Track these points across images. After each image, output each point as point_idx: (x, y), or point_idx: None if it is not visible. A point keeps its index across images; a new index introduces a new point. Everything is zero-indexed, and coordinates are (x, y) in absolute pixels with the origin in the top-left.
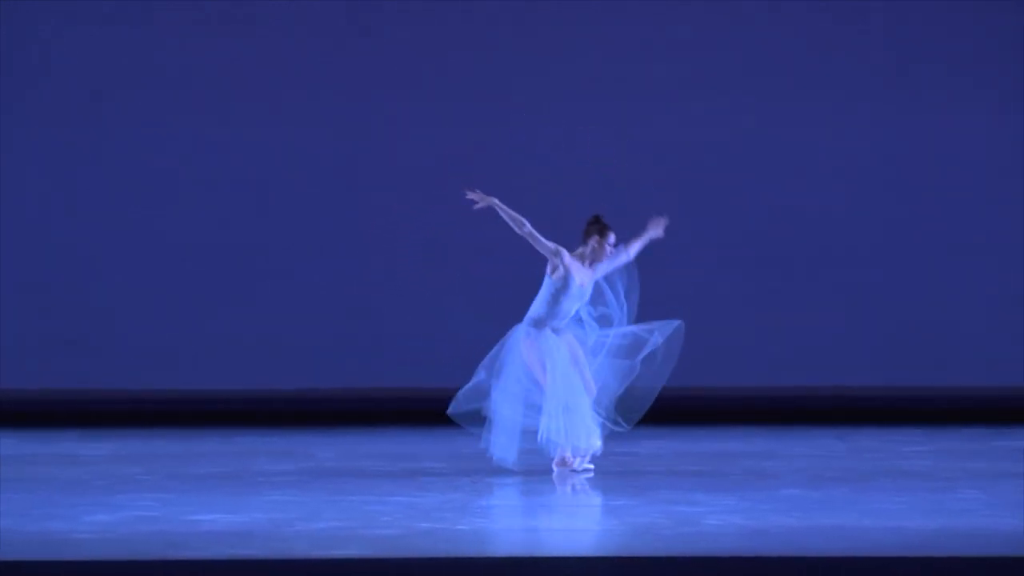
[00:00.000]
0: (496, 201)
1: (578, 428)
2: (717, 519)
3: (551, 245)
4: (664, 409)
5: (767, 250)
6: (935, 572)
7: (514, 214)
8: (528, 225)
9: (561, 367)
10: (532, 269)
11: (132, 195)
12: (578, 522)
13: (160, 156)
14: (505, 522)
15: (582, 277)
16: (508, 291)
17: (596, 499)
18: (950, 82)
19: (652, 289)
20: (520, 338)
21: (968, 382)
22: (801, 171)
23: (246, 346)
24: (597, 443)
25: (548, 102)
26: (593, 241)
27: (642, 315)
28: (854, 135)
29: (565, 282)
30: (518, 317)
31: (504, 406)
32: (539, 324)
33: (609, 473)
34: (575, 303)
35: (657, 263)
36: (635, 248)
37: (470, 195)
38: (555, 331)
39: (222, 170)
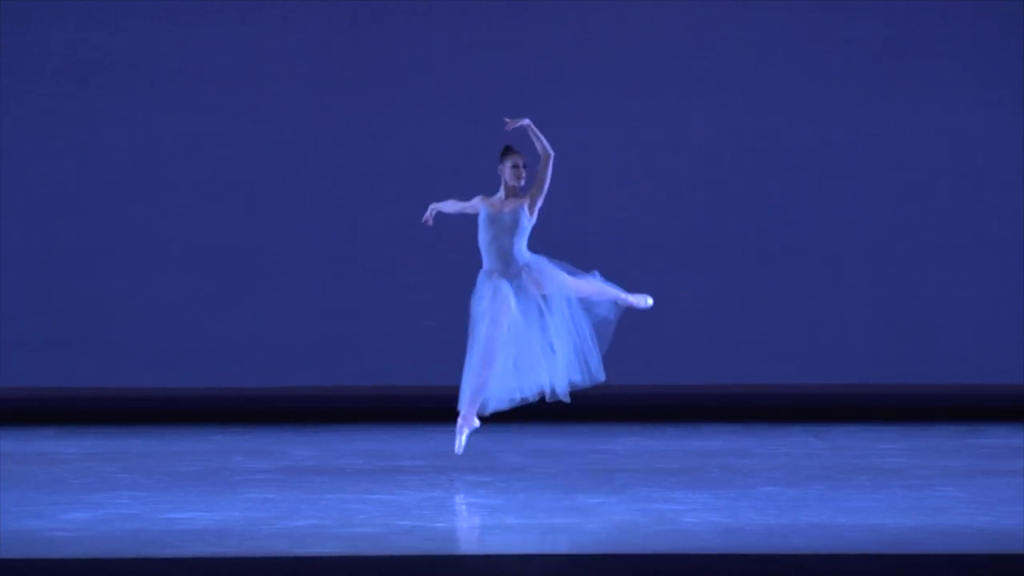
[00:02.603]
0: (528, 121)
1: (493, 383)
2: (694, 517)
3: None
4: (641, 407)
5: (744, 249)
6: (912, 569)
7: (546, 143)
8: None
9: (486, 324)
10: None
11: (122, 194)
12: (555, 520)
13: (156, 156)
14: (483, 520)
15: (496, 208)
16: (461, 287)
17: (573, 497)
18: (947, 80)
19: (633, 286)
20: (474, 292)
21: (944, 380)
22: (785, 170)
23: (224, 345)
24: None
25: (544, 102)
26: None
27: (626, 313)
28: (848, 132)
29: (479, 218)
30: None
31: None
32: (486, 274)
33: (586, 471)
34: (488, 232)
35: (639, 260)
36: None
37: (508, 122)
38: (505, 276)
39: (212, 170)
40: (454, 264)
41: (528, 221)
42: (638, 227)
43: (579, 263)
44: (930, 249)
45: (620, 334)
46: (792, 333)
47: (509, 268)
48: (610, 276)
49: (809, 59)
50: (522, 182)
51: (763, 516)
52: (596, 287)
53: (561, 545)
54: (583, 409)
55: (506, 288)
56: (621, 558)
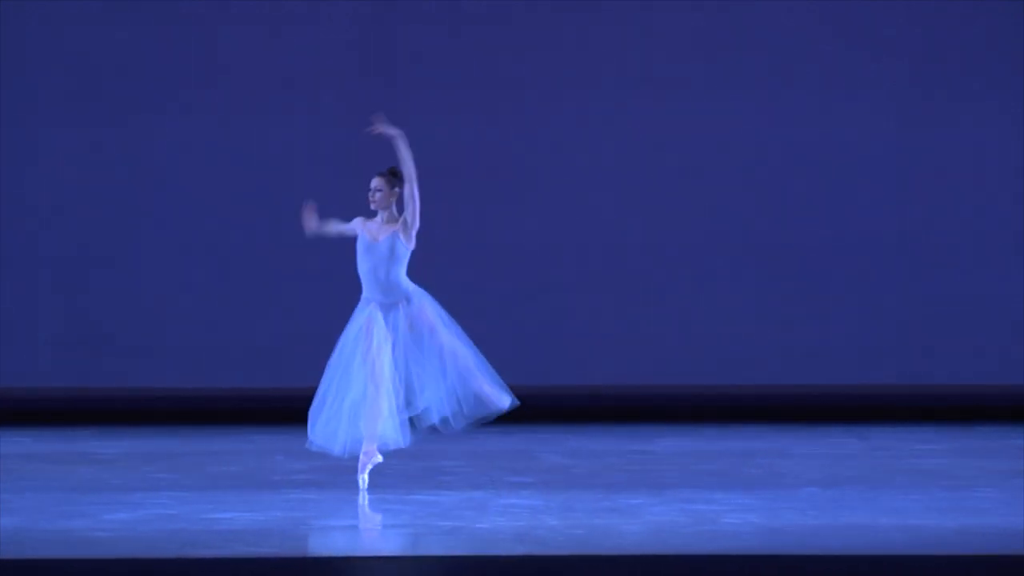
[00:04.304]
0: (400, 134)
1: (339, 422)
2: (735, 517)
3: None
4: (680, 408)
5: (778, 248)
6: (952, 571)
7: (409, 163)
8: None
9: (339, 355)
10: (518, 266)
11: (145, 194)
12: (596, 520)
13: (156, 155)
14: (524, 521)
15: (373, 233)
16: (500, 288)
17: (614, 497)
18: (962, 82)
19: (670, 285)
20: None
21: (984, 380)
22: (815, 169)
23: (263, 344)
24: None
25: (544, 102)
26: None
27: (663, 313)
28: (860, 135)
29: (356, 245)
30: (504, 313)
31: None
32: (364, 302)
33: (626, 472)
34: (366, 261)
35: (672, 258)
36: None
37: (376, 125)
38: (382, 306)
39: (226, 170)
40: (455, 263)
41: (405, 249)
42: (636, 227)
43: (580, 263)
44: (967, 248)
45: (655, 335)
46: (828, 334)
47: (388, 297)
48: (633, 280)
49: (828, 60)
50: (386, 207)
51: (803, 517)
52: (463, 363)
53: (602, 545)
54: (621, 410)
55: (380, 325)
56: (663, 558)
